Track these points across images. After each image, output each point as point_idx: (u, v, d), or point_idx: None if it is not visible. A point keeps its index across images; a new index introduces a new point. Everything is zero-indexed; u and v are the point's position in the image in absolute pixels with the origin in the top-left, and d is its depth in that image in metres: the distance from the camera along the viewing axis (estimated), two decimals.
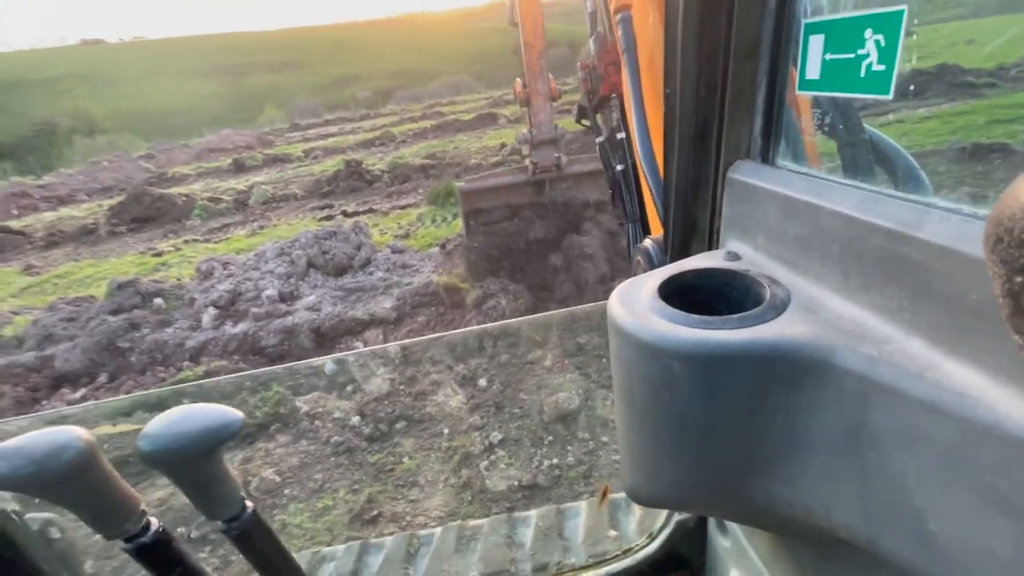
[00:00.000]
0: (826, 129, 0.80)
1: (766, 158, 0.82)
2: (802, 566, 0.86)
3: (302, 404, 3.76)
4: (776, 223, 0.73)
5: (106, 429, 3.85)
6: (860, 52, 0.59)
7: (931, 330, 0.49)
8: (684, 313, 0.66)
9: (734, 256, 0.80)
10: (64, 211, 13.18)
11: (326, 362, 4.51)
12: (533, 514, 2.14)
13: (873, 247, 0.55)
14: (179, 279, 6.39)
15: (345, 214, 8.85)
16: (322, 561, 2.09)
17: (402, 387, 3.85)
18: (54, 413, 4.43)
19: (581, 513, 2.10)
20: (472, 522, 2.21)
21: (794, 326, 0.60)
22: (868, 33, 0.56)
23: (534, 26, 5.20)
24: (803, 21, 0.69)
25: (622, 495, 2.12)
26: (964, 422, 0.43)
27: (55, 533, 1.03)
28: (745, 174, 0.82)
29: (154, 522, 0.61)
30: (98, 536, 0.61)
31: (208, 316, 5.27)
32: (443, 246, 6.31)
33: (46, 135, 41.97)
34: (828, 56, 0.65)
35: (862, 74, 0.59)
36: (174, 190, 12.59)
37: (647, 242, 1.21)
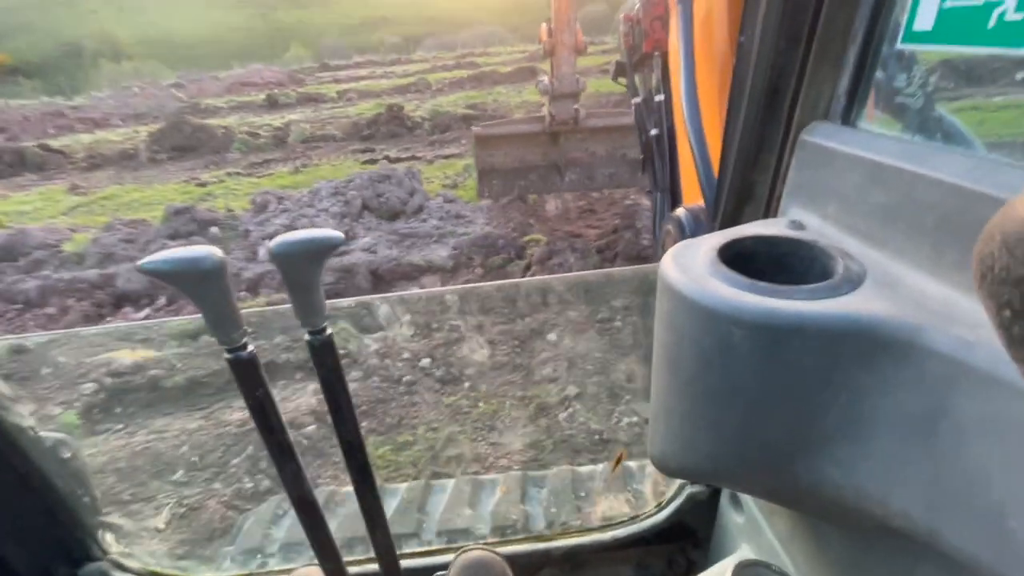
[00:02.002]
0: (907, 96, 0.71)
1: (847, 119, 0.74)
2: (823, 548, 0.84)
3: (370, 342, 3.81)
4: (855, 191, 0.68)
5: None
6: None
7: None
8: (748, 279, 0.61)
9: (798, 225, 0.74)
10: (100, 134, 13.13)
11: (380, 304, 4.54)
12: (549, 474, 2.14)
13: (979, 220, 0.50)
14: (230, 210, 6.38)
15: (388, 159, 8.72)
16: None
17: (469, 334, 3.86)
18: (124, 326, 4.54)
19: (595, 477, 2.07)
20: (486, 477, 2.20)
21: (873, 301, 0.56)
22: None
23: None
24: None
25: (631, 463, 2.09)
26: None
27: (66, 452, 1.08)
28: (822, 136, 0.75)
29: (250, 345, 0.72)
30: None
31: (264, 249, 5.28)
32: (496, 199, 6.20)
33: (72, 56, 41.39)
34: (948, 3, 0.58)
35: (991, 24, 0.52)
36: (208, 122, 12.45)
37: (680, 211, 1.14)
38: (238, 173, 8.71)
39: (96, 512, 1.14)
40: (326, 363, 0.80)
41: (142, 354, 3.88)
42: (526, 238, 5.13)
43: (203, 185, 8.19)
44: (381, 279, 5.03)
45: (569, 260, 4.35)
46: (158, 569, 1.21)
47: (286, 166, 9.05)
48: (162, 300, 5.00)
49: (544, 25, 5.75)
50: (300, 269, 0.72)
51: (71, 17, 48.49)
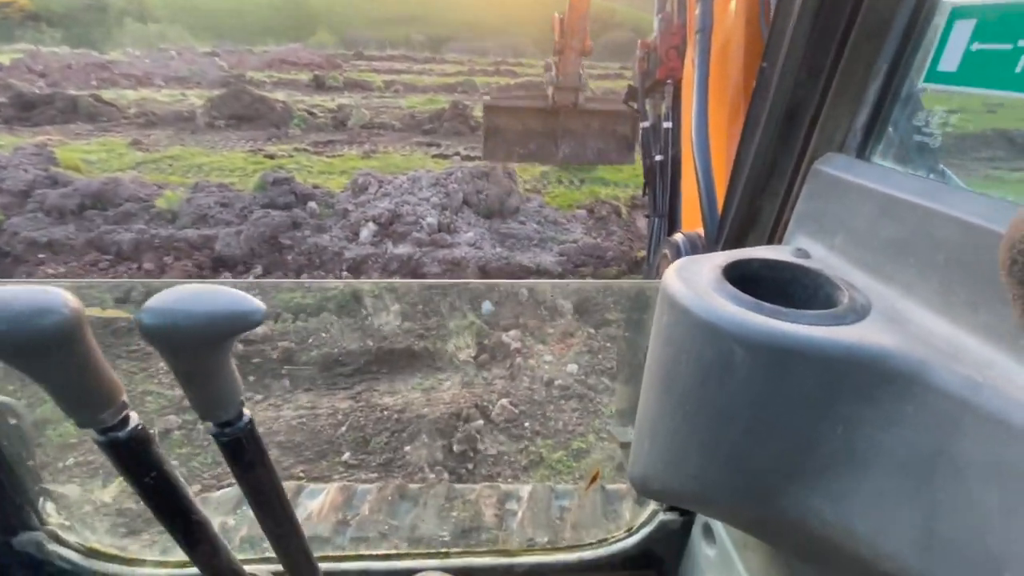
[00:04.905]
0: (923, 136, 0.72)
1: (862, 153, 0.76)
2: None
3: (509, 340, 3.70)
4: (865, 223, 0.68)
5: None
6: (1021, 44, 0.52)
7: None
8: (754, 299, 0.60)
9: (803, 254, 0.75)
10: (144, 92, 12.84)
11: (484, 303, 4.43)
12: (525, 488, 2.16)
13: (994, 260, 0.48)
14: (316, 186, 6.24)
15: (460, 156, 8.65)
16: (310, 495, 2.05)
17: (603, 342, 3.79)
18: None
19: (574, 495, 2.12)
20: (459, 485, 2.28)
21: (878, 333, 0.55)
22: None
23: None
24: (949, 4, 0.63)
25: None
26: None
27: (12, 418, 1.02)
28: (835, 167, 0.76)
29: (134, 418, 0.54)
30: (60, 429, 0.53)
31: (367, 231, 5.15)
32: (591, 211, 6.18)
33: (96, 11, 40.69)
34: (975, 46, 0.58)
35: (1018, 69, 0.52)
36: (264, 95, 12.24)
37: (678, 236, 1.16)
38: (305, 150, 8.56)
39: (37, 480, 1.07)
40: (244, 460, 0.59)
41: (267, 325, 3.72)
42: (640, 254, 5.09)
43: (271, 157, 8.02)
44: (489, 276, 4.93)
45: None
46: (98, 546, 1.14)
47: (352, 149, 8.92)
48: (258, 269, 4.84)
49: (556, 16, 6.56)
50: (195, 351, 0.49)
51: None
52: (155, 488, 0.56)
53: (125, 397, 0.51)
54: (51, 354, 0.44)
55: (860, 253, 0.69)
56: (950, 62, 0.62)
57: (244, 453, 0.60)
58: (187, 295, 0.48)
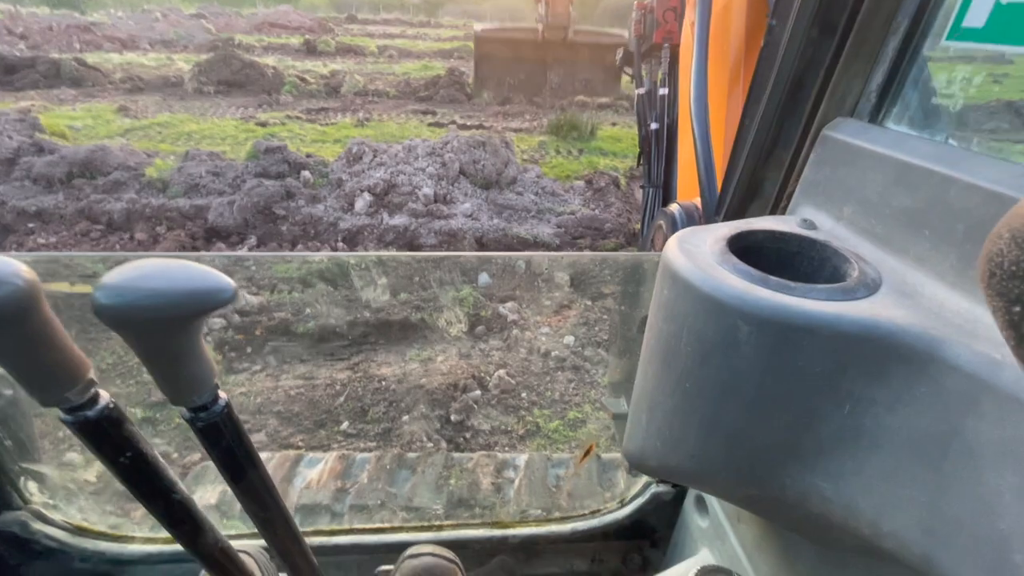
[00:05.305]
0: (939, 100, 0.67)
1: (875, 117, 0.72)
2: (791, 562, 0.83)
3: (506, 312, 3.70)
4: (877, 193, 0.65)
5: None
6: None
7: None
8: (761, 273, 0.57)
9: (810, 225, 0.71)
10: (130, 56, 12.42)
11: (481, 274, 4.42)
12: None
13: None
14: (309, 155, 6.12)
15: (456, 125, 8.46)
16: (309, 464, 2.09)
17: (601, 315, 3.79)
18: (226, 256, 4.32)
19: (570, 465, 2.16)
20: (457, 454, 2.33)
21: (890, 308, 0.53)
22: None
23: None
24: None
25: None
26: None
27: (6, 389, 0.95)
28: (846, 133, 0.72)
29: (104, 395, 0.50)
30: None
31: (363, 201, 5.08)
32: (589, 182, 6.09)
33: None
34: None
35: None
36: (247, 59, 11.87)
37: (673, 207, 1.13)
38: (298, 117, 8.36)
39: (17, 459, 1.02)
40: (222, 444, 0.56)
41: (262, 296, 3.70)
42: (639, 226, 5.04)
43: (263, 125, 7.83)
44: (486, 248, 4.90)
45: None
46: (84, 524, 1.10)
47: (346, 117, 8.71)
48: (251, 240, 4.78)
49: None
50: (160, 334, 0.45)
51: None
52: (132, 468, 0.53)
53: (92, 375, 0.47)
54: (4, 328, 0.40)
55: (870, 224, 0.66)
56: (977, 17, 0.57)
57: (222, 438, 0.56)
58: (148, 271, 0.42)
